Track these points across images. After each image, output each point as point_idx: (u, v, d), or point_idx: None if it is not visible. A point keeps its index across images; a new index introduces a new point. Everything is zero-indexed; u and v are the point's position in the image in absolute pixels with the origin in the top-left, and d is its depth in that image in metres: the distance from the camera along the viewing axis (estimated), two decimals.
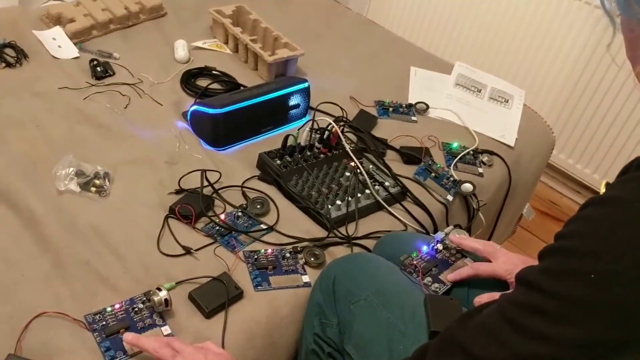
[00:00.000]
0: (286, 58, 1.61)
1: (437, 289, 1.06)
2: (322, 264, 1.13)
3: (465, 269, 1.07)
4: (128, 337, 0.91)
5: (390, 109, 1.61)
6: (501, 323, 0.63)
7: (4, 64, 1.47)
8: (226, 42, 1.75)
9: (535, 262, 1.03)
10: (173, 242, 1.12)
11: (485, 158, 1.51)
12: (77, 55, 1.57)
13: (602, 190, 0.62)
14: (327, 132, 1.37)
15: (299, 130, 1.38)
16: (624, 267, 0.55)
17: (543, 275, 0.61)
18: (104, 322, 0.95)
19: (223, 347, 0.96)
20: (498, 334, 0.63)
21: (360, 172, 1.33)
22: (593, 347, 0.57)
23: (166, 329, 0.97)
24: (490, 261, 1.07)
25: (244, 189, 1.26)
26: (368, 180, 1.31)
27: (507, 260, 1.05)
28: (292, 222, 1.21)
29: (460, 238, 1.12)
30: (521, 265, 1.03)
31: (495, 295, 1.01)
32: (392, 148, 1.47)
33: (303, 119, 1.53)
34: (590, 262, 0.57)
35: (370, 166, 1.38)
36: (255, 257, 1.11)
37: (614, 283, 0.56)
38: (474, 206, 1.42)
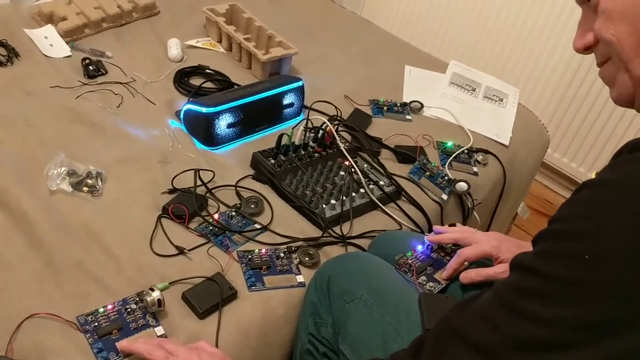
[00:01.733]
0: (280, 57, 1.61)
1: (432, 288, 1.06)
2: (317, 264, 1.12)
3: (453, 261, 1.06)
4: (122, 344, 0.91)
5: (385, 108, 1.61)
6: (498, 308, 0.63)
7: None
8: (220, 41, 1.74)
9: (513, 241, 1.04)
10: (166, 242, 1.11)
11: (479, 157, 1.51)
12: (69, 54, 1.56)
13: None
14: (321, 131, 1.36)
15: (293, 129, 1.37)
16: (618, 247, 0.56)
17: (538, 258, 0.61)
18: (97, 323, 0.94)
19: (217, 347, 0.95)
20: (495, 319, 0.62)
21: (355, 171, 1.32)
22: (590, 327, 0.57)
23: (159, 330, 0.96)
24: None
25: (238, 189, 1.26)
26: (362, 180, 1.31)
27: (488, 239, 1.06)
28: (286, 221, 1.21)
29: (437, 236, 1.12)
30: (502, 240, 1.05)
31: (483, 270, 1.01)
32: (387, 147, 1.47)
33: (297, 118, 1.52)
34: (584, 242, 0.57)
35: (365, 165, 1.38)
36: (249, 257, 1.11)
37: (609, 262, 0.56)
38: (469, 205, 1.42)
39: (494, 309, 0.63)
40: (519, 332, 0.60)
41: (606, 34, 0.64)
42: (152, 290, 0.96)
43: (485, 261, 1.06)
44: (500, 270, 1.00)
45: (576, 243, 0.58)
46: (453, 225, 1.17)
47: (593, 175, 0.66)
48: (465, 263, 1.07)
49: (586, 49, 0.69)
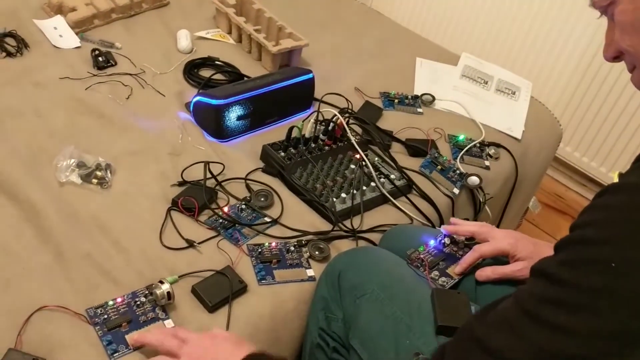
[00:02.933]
0: (290, 48, 1.59)
1: (445, 283, 1.05)
2: (327, 258, 1.11)
3: (469, 255, 1.05)
4: (133, 337, 0.90)
5: (396, 101, 1.59)
6: (521, 317, 0.62)
7: (4, 54, 1.45)
8: (229, 32, 1.73)
9: (530, 239, 1.02)
10: (176, 235, 1.10)
11: (491, 151, 1.49)
12: (79, 44, 1.56)
13: (616, 180, 0.61)
14: (331, 124, 1.35)
15: (303, 121, 1.36)
16: None
17: (562, 266, 0.60)
18: (106, 316, 0.93)
19: None
20: (518, 327, 0.61)
21: (366, 165, 1.31)
22: (617, 337, 0.56)
23: (169, 323, 0.95)
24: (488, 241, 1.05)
25: (248, 182, 1.25)
26: (373, 173, 1.29)
27: (505, 236, 1.04)
28: (296, 215, 1.20)
29: (454, 227, 1.10)
30: (519, 238, 1.03)
31: (499, 268, 1.00)
32: (398, 140, 1.45)
33: (307, 110, 1.51)
34: (609, 250, 0.56)
35: (376, 158, 1.37)
36: (259, 250, 1.10)
37: (635, 270, 0.54)
38: (481, 199, 1.40)
39: (516, 317, 0.62)
40: (541, 342, 0.59)
41: (623, 45, 0.66)
42: (162, 283, 0.96)
43: (500, 258, 1.04)
44: (516, 269, 0.99)
45: (600, 250, 0.57)
46: (465, 219, 1.16)
47: (615, 176, 0.65)
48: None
49: (615, 58, 0.69)
